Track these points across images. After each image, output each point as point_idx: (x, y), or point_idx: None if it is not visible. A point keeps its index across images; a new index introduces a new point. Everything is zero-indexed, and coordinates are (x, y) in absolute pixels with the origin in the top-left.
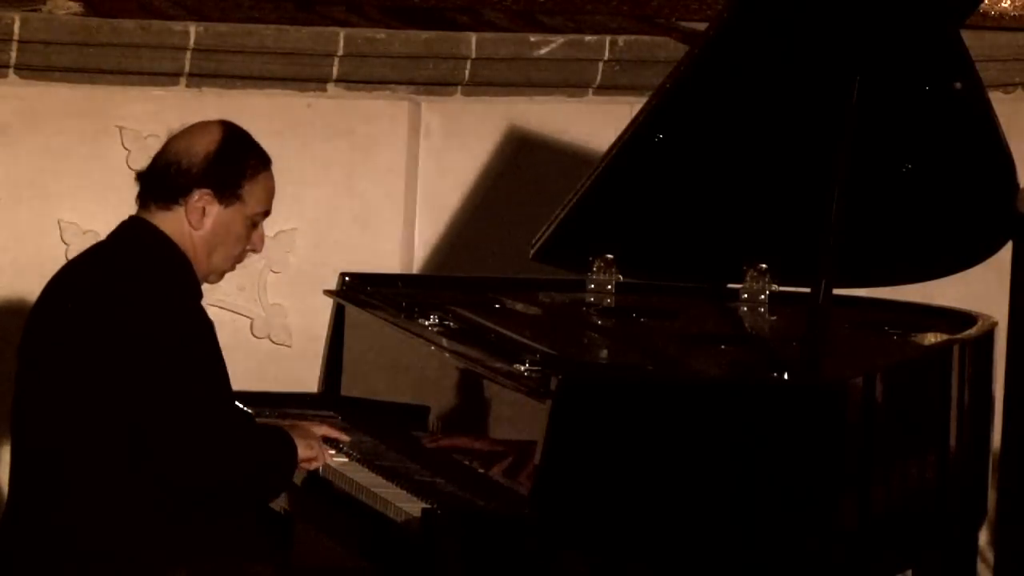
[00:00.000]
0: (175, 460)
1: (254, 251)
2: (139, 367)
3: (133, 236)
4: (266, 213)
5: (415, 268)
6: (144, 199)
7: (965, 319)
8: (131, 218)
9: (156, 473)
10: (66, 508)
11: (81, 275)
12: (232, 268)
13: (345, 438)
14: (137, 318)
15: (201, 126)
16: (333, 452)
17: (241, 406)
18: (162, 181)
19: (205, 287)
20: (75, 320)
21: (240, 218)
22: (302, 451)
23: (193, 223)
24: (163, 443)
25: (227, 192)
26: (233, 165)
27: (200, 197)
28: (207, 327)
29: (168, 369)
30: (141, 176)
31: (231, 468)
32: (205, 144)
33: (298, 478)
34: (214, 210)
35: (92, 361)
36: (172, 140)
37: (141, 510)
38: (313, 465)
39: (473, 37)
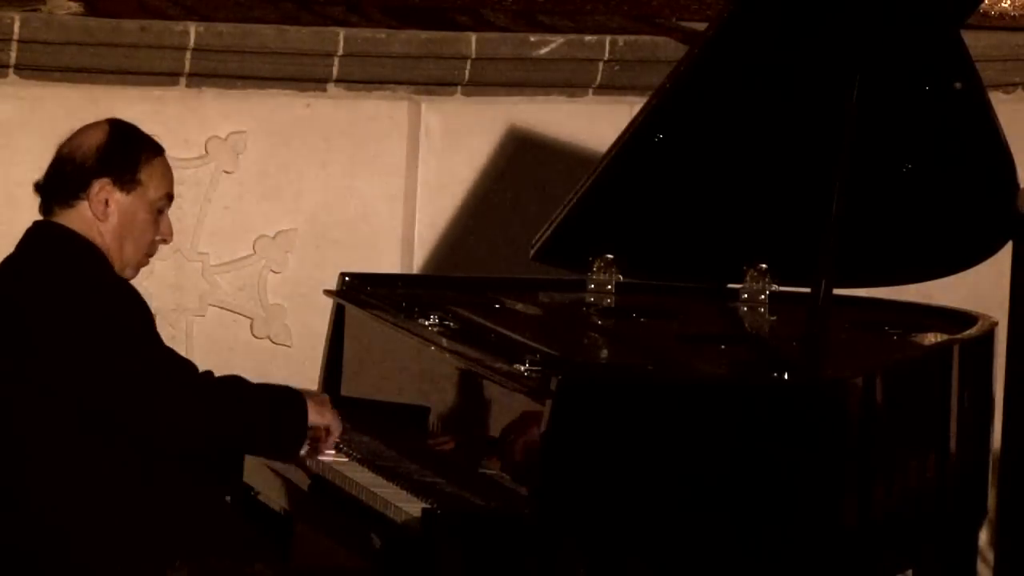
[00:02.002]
0: (150, 425)
1: (164, 241)
2: (79, 351)
3: (41, 238)
4: (169, 198)
5: (415, 268)
6: (46, 205)
7: (965, 319)
8: (36, 223)
9: (136, 452)
10: (44, 510)
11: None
12: (146, 261)
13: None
14: (62, 305)
15: (88, 126)
16: (332, 452)
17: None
18: (60, 181)
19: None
20: (6, 331)
21: (143, 204)
22: (313, 415)
23: (98, 214)
24: (129, 413)
25: (125, 177)
26: (126, 152)
27: (101, 188)
28: (135, 299)
29: (108, 341)
30: (39, 186)
31: (203, 416)
32: (95, 139)
33: (302, 481)
34: (116, 197)
35: (30, 361)
36: (61, 145)
37: (123, 506)
38: (330, 439)
39: (473, 37)
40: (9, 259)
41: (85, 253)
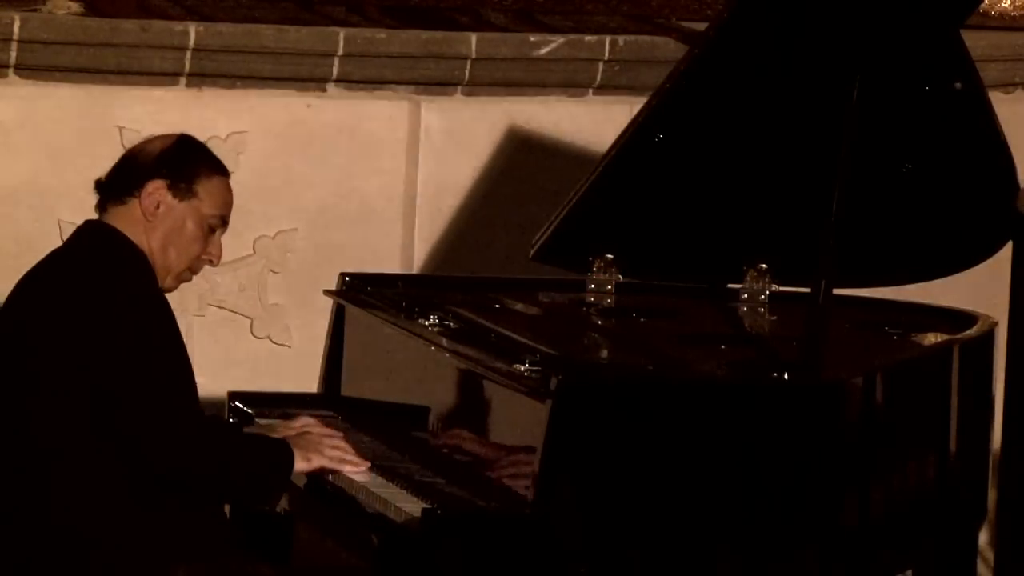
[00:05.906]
0: (140, 448)
1: (211, 263)
2: (100, 357)
3: (88, 237)
4: (224, 221)
5: (415, 268)
6: (102, 202)
7: (965, 319)
8: (86, 222)
9: (132, 467)
10: (47, 508)
11: (39, 281)
12: (188, 276)
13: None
14: (94, 311)
15: (162, 134)
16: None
17: (243, 408)
18: (118, 177)
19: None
20: (35, 324)
21: (194, 215)
22: (300, 464)
23: (147, 213)
24: (127, 432)
25: (181, 185)
26: (187, 160)
27: (154, 189)
28: (166, 315)
29: (129, 354)
30: (99, 183)
31: (192, 452)
32: (161, 144)
33: (302, 481)
34: (168, 201)
35: (53, 360)
36: (131, 147)
37: (125, 507)
38: (346, 466)
39: (473, 37)
40: (54, 256)
41: (129, 259)
